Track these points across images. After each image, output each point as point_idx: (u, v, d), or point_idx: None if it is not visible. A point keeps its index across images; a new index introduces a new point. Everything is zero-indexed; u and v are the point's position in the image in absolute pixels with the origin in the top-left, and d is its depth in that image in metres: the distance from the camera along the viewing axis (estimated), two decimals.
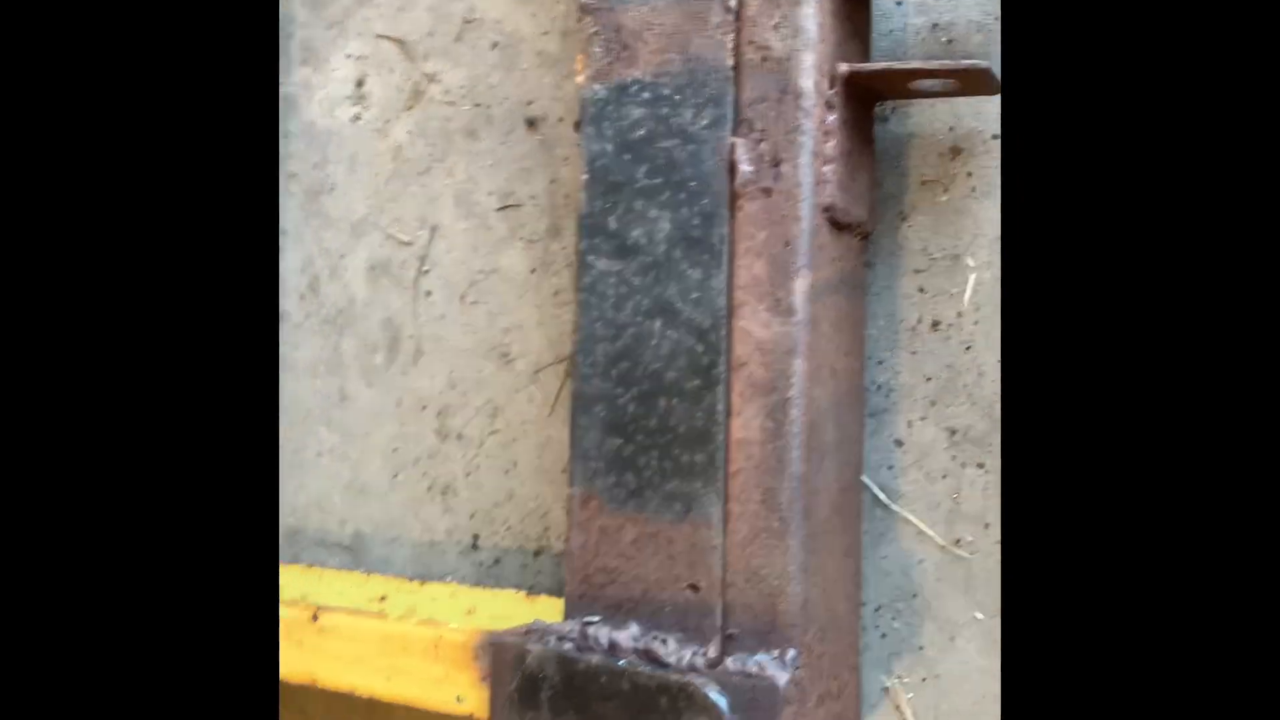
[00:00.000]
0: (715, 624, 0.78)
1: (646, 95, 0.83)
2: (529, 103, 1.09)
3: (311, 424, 1.22)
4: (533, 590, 1.05)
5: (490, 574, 1.10)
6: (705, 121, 0.81)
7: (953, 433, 0.85)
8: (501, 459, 1.09)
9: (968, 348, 0.85)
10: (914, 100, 0.86)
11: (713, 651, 0.77)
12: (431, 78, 1.15)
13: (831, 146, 0.78)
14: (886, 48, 0.89)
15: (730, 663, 0.76)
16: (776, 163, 0.78)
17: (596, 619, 0.83)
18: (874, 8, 0.87)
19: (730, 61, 0.79)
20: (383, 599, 1.11)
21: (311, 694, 1.04)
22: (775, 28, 0.78)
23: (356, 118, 1.20)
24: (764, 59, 0.78)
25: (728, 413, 0.79)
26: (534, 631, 0.84)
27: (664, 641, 0.79)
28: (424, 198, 1.15)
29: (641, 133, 0.84)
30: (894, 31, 0.89)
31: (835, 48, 0.79)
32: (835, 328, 0.82)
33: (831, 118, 0.79)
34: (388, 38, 1.18)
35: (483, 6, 1.12)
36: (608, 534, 0.84)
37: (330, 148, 1.22)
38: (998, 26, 0.85)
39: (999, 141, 0.84)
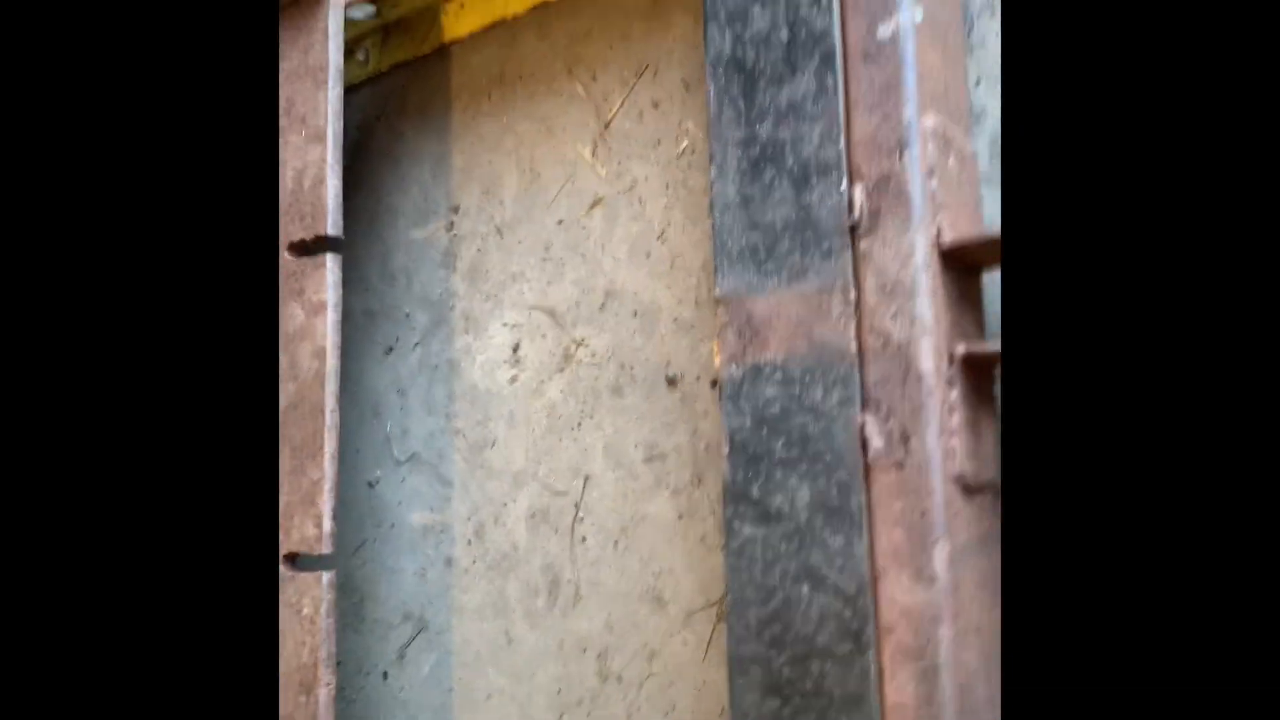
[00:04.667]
0: None
1: (779, 376, 0.92)
2: (668, 363, 1.19)
3: (481, 665, 1.31)
4: None
5: None
6: (835, 400, 0.89)
7: None
8: (660, 701, 1.14)
9: None
10: None
11: None
12: (580, 343, 1.28)
13: (956, 420, 0.85)
14: (1000, 310, 0.96)
15: None
16: (906, 438, 0.85)
17: None
18: (985, 279, 0.95)
19: (854, 347, 0.88)
20: None
21: None
22: (893, 317, 0.86)
23: (514, 379, 1.34)
24: (885, 345, 0.86)
25: (880, 676, 0.83)
26: None
27: None
28: (576, 450, 1.26)
29: (776, 409, 0.92)
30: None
31: (950, 328, 0.87)
32: (978, 586, 0.86)
33: (954, 393, 0.86)
34: (540, 308, 1.32)
35: (622, 280, 1.25)
36: None
37: (491, 406, 1.35)
38: None
39: None
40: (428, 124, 1.47)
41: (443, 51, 1.47)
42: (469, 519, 1.35)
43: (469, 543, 1.35)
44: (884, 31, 0.89)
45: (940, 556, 0.82)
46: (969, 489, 0.86)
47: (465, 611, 1.34)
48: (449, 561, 1.37)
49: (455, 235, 1.43)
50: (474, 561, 1.34)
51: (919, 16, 0.89)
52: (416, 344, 1.45)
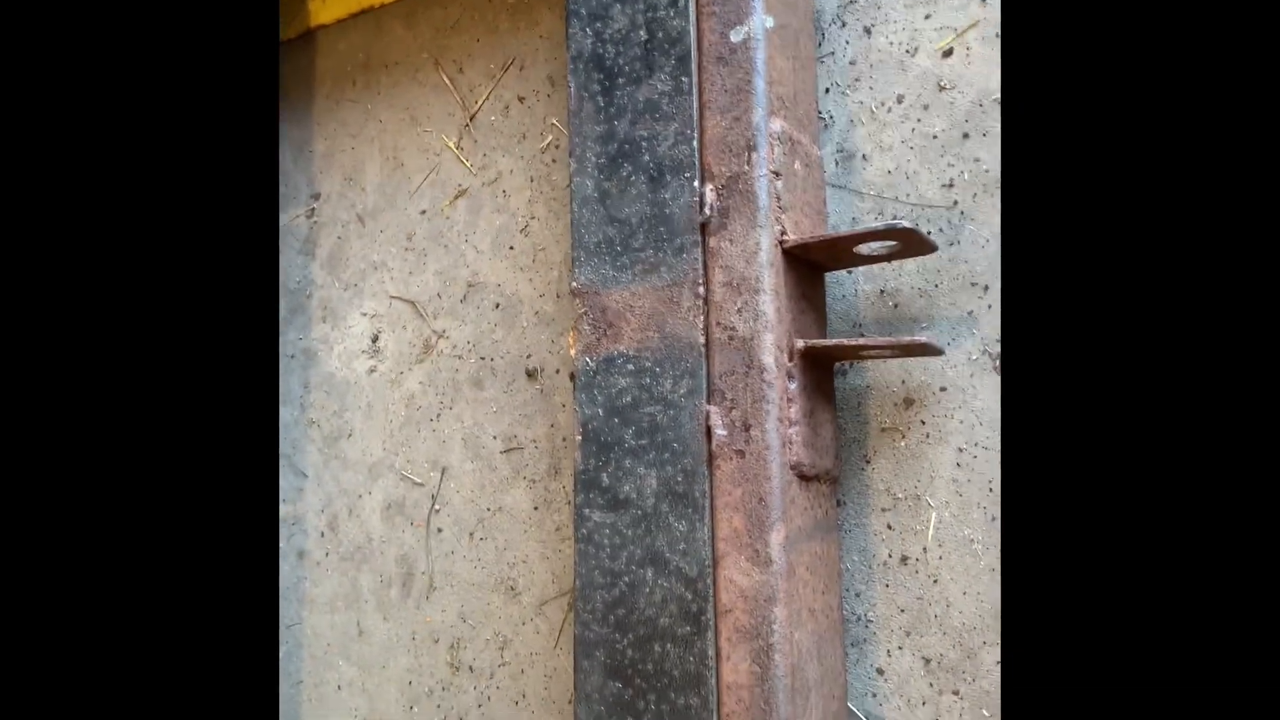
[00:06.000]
0: None
1: (631, 367, 0.94)
2: (528, 356, 1.21)
3: (331, 657, 1.29)
4: None
5: None
6: (683, 390, 0.91)
7: (928, 661, 0.92)
8: (511, 690, 1.15)
9: (935, 581, 0.93)
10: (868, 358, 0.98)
11: None
12: (441, 334, 1.28)
13: (795, 411, 0.89)
14: (842, 310, 1.01)
15: None
16: (747, 427, 0.88)
17: None
18: (827, 279, 1.00)
19: (702, 340, 0.91)
20: None
21: None
22: (739, 312, 0.89)
23: (372, 370, 1.32)
24: (730, 338, 0.90)
25: (718, 657, 0.86)
26: None
27: None
28: (435, 442, 1.26)
29: (628, 399, 0.94)
30: (846, 296, 1.01)
31: (792, 324, 0.91)
32: (811, 570, 0.90)
33: (793, 385, 0.89)
34: (401, 299, 1.31)
35: (484, 272, 1.25)
36: None
37: (349, 397, 1.34)
38: (936, 292, 0.96)
39: (947, 393, 0.95)
40: (290, 109, 1.44)
41: (308, 36, 1.45)
42: (323, 511, 1.33)
43: (322, 535, 1.33)
44: (736, 36, 0.92)
45: (776, 540, 0.85)
46: (805, 477, 0.90)
47: (316, 604, 1.31)
48: (301, 554, 1.34)
49: (315, 222, 1.40)
50: (327, 554, 1.32)
51: (770, 23, 0.93)
52: None
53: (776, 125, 0.91)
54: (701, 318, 0.91)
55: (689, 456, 0.90)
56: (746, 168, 0.90)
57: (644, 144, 0.96)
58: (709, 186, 0.92)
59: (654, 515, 0.92)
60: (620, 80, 0.98)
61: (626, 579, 0.92)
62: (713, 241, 0.92)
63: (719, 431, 0.89)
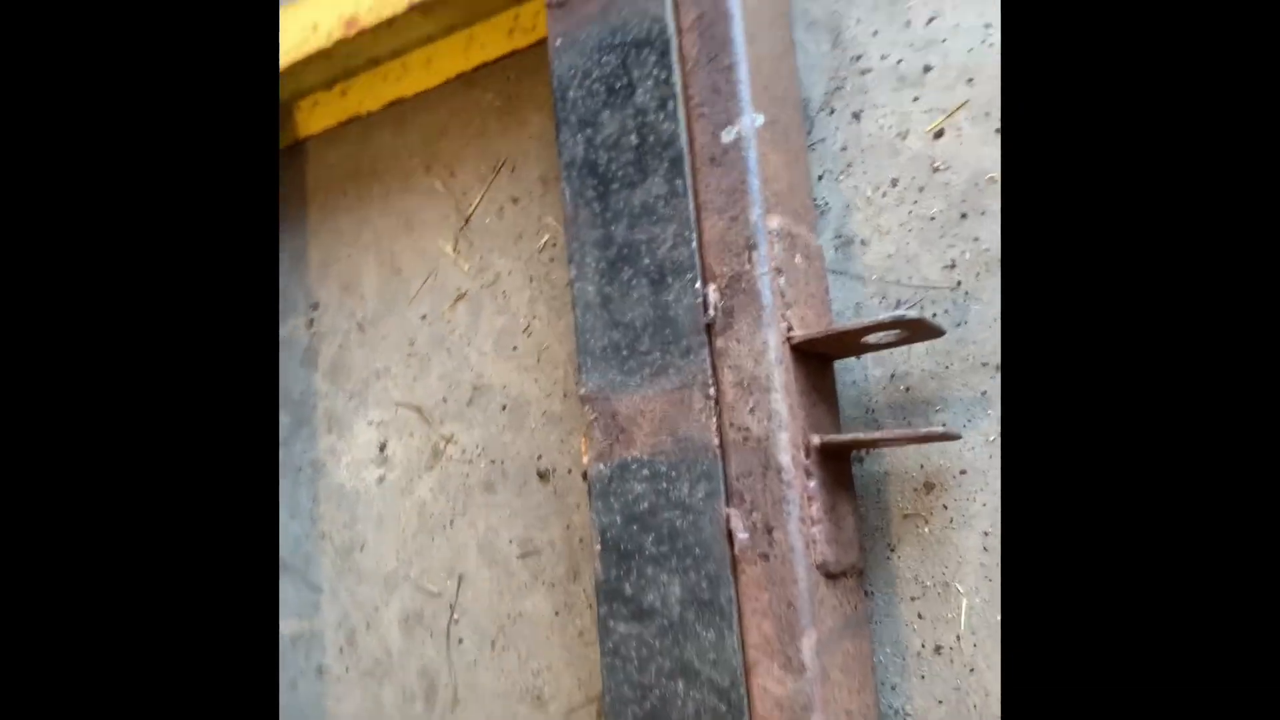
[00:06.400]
0: None
1: (646, 472, 0.93)
2: (539, 457, 1.19)
3: None
4: None
5: None
6: (701, 494, 0.90)
7: None
8: None
9: (971, 670, 0.91)
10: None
11: None
12: (449, 439, 1.26)
13: (816, 509, 0.88)
14: (853, 396, 1.00)
15: None
16: (769, 530, 0.87)
17: None
18: (836, 365, 0.99)
19: (716, 441, 0.90)
20: None
21: None
22: (751, 411, 0.88)
23: (382, 479, 1.31)
24: (745, 439, 0.88)
25: None
26: None
27: None
28: (449, 549, 1.24)
29: (645, 505, 0.93)
30: (857, 382, 1.00)
31: (806, 420, 0.90)
32: (845, 671, 0.88)
33: (812, 483, 0.88)
34: (406, 405, 1.31)
35: (489, 374, 1.24)
36: None
37: (359, 507, 1.32)
38: (947, 374, 0.96)
39: (967, 476, 0.93)
40: (284, 220, 1.44)
41: (297, 147, 1.46)
42: (340, 625, 1.31)
43: (341, 650, 1.30)
44: (728, 136, 0.93)
45: (808, 645, 0.84)
46: (831, 575, 0.88)
47: None
48: (320, 670, 1.31)
49: (315, 332, 1.40)
50: (347, 669, 1.29)
51: (760, 120, 0.93)
52: (278, 446, 1.41)
53: (774, 222, 0.91)
54: (714, 419, 0.90)
55: (712, 562, 0.89)
56: (748, 266, 0.90)
57: (643, 247, 0.96)
58: (712, 287, 0.91)
59: (680, 624, 0.90)
60: (614, 185, 0.98)
61: (657, 692, 0.90)
62: (720, 342, 0.91)
63: (740, 535, 0.88)
